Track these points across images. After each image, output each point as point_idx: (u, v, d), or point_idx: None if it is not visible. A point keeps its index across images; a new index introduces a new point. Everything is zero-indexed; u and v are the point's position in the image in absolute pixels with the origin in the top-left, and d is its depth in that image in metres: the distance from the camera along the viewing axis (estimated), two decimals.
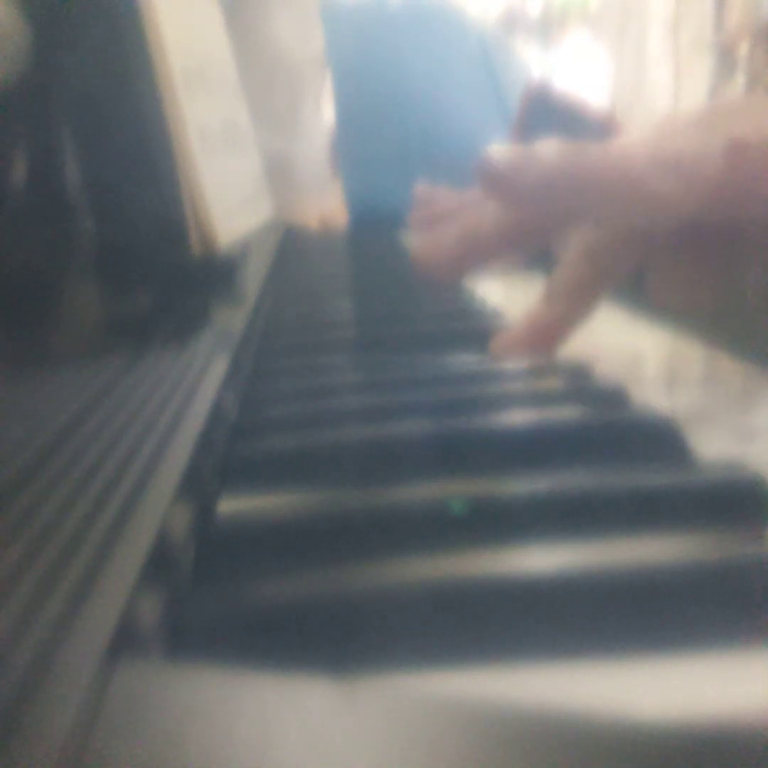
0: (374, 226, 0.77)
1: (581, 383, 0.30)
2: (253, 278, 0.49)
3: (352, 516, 0.20)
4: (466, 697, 0.13)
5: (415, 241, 0.33)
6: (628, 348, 0.37)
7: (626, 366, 0.34)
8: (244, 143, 0.58)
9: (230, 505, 0.22)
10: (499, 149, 0.28)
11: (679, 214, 0.28)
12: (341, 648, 0.16)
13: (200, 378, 0.28)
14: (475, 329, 0.39)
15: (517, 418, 0.26)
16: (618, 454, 0.23)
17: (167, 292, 0.36)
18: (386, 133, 1.33)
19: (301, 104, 1.08)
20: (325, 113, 1.24)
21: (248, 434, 0.27)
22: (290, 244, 0.79)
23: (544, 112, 1.19)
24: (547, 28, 2.93)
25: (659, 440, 0.24)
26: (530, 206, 0.30)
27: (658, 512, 0.19)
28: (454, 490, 0.21)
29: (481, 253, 0.32)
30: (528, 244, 0.32)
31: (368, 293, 0.52)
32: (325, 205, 1.02)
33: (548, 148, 0.28)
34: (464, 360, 0.34)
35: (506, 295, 0.52)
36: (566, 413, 0.26)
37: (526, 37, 2.90)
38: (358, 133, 1.32)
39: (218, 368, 0.29)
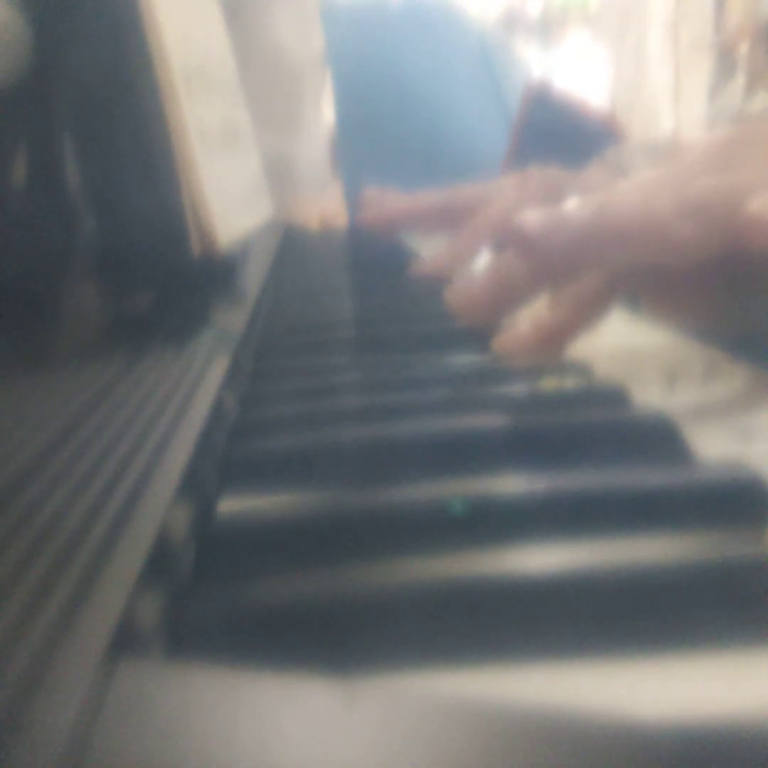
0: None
1: (581, 383, 0.30)
2: (253, 278, 0.49)
3: (352, 516, 0.20)
4: (466, 697, 0.13)
5: (450, 289, 0.34)
6: (628, 348, 0.37)
7: (626, 366, 0.34)
8: (244, 143, 0.58)
9: (230, 505, 0.22)
10: (529, 215, 0.30)
11: (703, 256, 0.29)
12: (341, 648, 0.16)
13: (200, 378, 0.28)
14: (475, 329, 0.39)
15: (517, 418, 0.26)
16: (618, 454, 0.23)
17: (167, 292, 0.36)
18: (386, 133, 1.33)
19: (301, 104, 1.08)
20: (325, 113, 1.24)
21: (248, 434, 0.27)
22: (290, 244, 0.79)
23: (544, 112, 1.19)
24: (547, 28, 2.94)
25: (659, 440, 0.24)
26: (562, 265, 0.31)
27: (658, 512, 0.19)
28: (454, 491, 0.21)
29: (514, 297, 0.33)
30: (559, 285, 0.33)
31: (368, 293, 0.52)
32: (325, 205, 1.02)
33: (575, 208, 0.30)
34: (464, 360, 0.34)
35: None
36: (566, 413, 0.26)
37: (526, 37, 2.90)
38: (358, 133, 1.31)
39: (218, 368, 0.29)
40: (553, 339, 0.33)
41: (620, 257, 0.30)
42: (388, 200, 0.66)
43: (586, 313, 0.33)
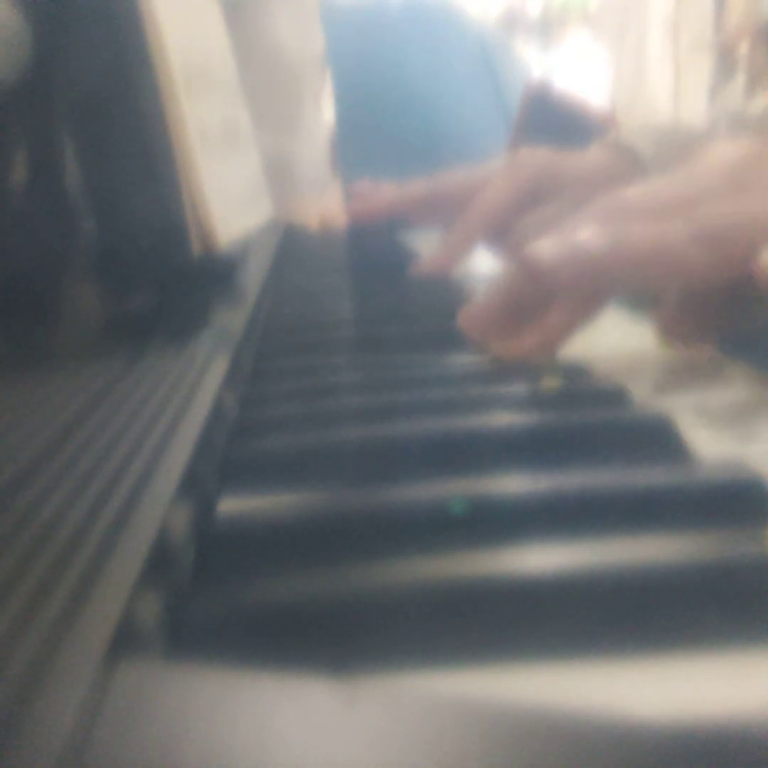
0: (374, 225, 0.77)
1: (581, 383, 0.30)
2: (253, 278, 0.49)
3: (352, 516, 0.20)
4: (466, 697, 0.13)
5: (463, 315, 0.34)
6: (628, 348, 0.37)
7: (626, 366, 0.34)
8: (244, 143, 0.58)
9: (230, 505, 0.22)
10: (544, 245, 0.30)
11: (714, 282, 0.29)
12: (341, 648, 0.16)
13: (200, 378, 0.28)
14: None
15: (518, 418, 0.26)
16: (618, 454, 0.23)
17: (167, 292, 0.36)
18: (386, 133, 1.33)
19: (301, 104, 1.08)
20: (325, 113, 1.24)
21: (248, 434, 0.27)
22: (290, 244, 0.79)
23: (544, 112, 1.19)
24: (547, 28, 2.94)
25: (659, 440, 0.24)
26: (576, 292, 0.31)
27: (658, 512, 0.19)
28: (454, 491, 0.21)
29: (526, 320, 0.33)
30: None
31: (368, 293, 0.52)
32: (325, 205, 1.02)
33: (589, 236, 0.30)
34: (464, 360, 0.34)
35: None
36: (566, 413, 0.26)
37: (526, 37, 2.91)
38: (358, 132, 1.32)
39: (218, 368, 0.29)
40: (550, 338, 0.33)
41: (636, 283, 0.31)
42: (378, 192, 0.65)
43: (581, 311, 0.33)
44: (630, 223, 0.30)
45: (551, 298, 0.32)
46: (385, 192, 0.65)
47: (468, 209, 0.56)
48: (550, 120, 1.18)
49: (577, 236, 0.30)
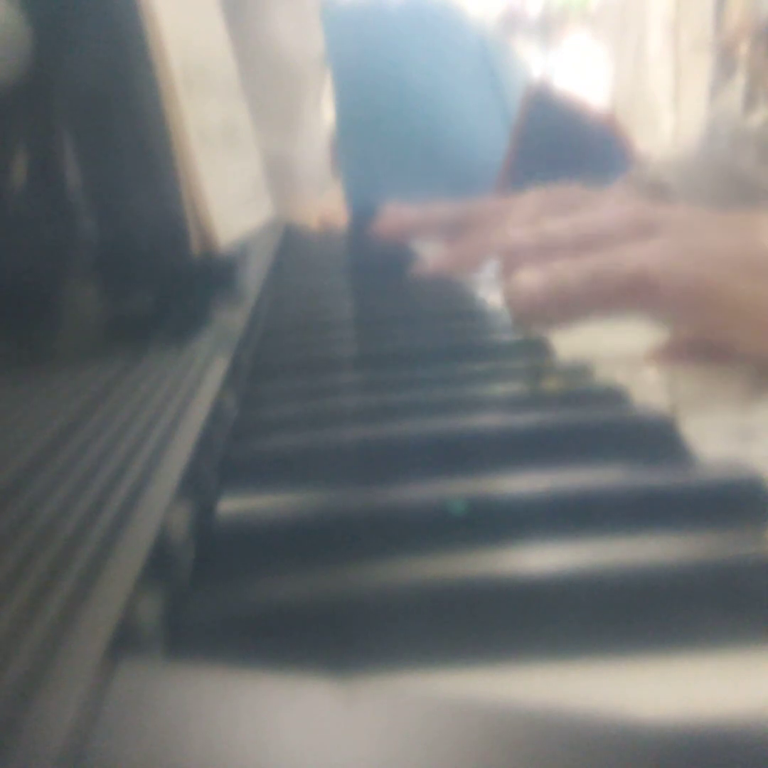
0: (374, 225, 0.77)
1: (581, 383, 0.30)
2: (253, 278, 0.49)
3: (352, 516, 0.20)
4: (466, 697, 0.13)
5: (506, 283, 0.34)
6: (628, 348, 0.37)
7: (626, 366, 0.34)
8: (244, 143, 0.58)
9: (230, 505, 0.22)
10: (656, 255, 0.30)
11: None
12: (341, 648, 0.16)
13: (200, 378, 0.28)
14: (472, 327, 0.39)
15: (518, 418, 0.26)
16: (618, 454, 0.23)
17: (167, 292, 0.36)
18: (386, 133, 1.33)
19: (301, 104, 1.08)
20: (325, 113, 1.24)
21: (248, 434, 0.27)
22: (290, 244, 0.79)
23: (544, 113, 1.19)
24: (547, 28, 2.94)
25: (659, 440, 0.24)
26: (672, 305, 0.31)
27: (657, 512, 0.19)
28: (454, 491, 0.21)
29: (573, 309, 0.32)
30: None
31: (368, 293, 0.52)
32: (325, 205, 1.02)
33: (711, 261, 0.30)
34: (464, 359, 0.34)
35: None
36: (566, 413, 0.26)
37: (526, 37, 2.90)
38: (359, 132, 1.32)
39: (218, 368, 0.29)
40: (566, 305, 0.32)
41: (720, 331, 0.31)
42: (403, 214, 0.65)
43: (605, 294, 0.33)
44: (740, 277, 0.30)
45: (609, 303, 0.32)
46: (409, 214, 0.65)
47: (488, 224, 0.56)
48: (550, 120, 1.18)
49: (685, 263, 0.30)
